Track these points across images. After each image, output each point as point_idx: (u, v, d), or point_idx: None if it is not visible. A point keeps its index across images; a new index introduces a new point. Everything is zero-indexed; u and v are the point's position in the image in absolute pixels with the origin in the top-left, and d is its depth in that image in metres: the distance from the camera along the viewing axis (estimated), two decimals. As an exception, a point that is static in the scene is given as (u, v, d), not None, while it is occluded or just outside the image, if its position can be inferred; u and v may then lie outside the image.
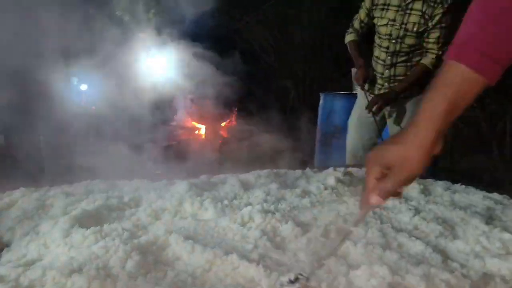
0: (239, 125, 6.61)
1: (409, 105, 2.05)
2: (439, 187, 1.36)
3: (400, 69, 2.01)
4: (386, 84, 2.05)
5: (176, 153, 3.38)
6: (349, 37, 2.16)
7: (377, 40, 2.07)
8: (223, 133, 6.16)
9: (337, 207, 1.10)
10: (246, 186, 1.29)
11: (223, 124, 6.00)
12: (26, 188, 1.15)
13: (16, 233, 0.92)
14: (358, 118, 2.16)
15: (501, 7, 0.55)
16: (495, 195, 1.25)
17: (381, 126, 2.13)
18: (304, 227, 0.92)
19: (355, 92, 3.40)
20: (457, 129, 4.76)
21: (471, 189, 1.36)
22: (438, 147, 0.57)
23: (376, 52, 2.08)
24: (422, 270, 0.70)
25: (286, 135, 7.22)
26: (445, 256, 0.79)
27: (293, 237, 0.86)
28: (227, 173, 1.54)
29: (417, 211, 1.05)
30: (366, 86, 2.09)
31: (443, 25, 1.88)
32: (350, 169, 1.71)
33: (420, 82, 1.95)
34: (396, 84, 2.01)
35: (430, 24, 1.90)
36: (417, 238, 0.86)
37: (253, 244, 0.81)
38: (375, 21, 2.04)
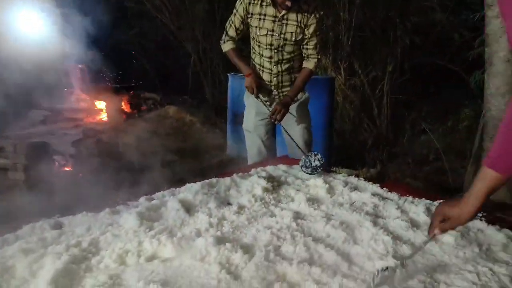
0: (140, 96, 6.40)
1: (295, 106, 2.36)
2: (340, 184, 1.73)
3: (285, 77, 2.32)
4: (275, 90, 2.34)
5: (86, 148, 3.25)
6: (227, 46, 2.31)
7: (256, 48, 2.29)
8: (126, 107, 5.93)
9: (269, 223, 1.37)
10: (188, 208, 1.47)
11: (123, 99, 5.74)
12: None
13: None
14: (253, 124, 2.44)
15: None
16: (378, 189, 1.68)
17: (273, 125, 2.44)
18: (249, 251, 1.17)
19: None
20: (345, 95, 5.47)
21: (362, 183, 1.78)
22: (479, 211, 1.01)
23: (258, 60, 2.31)
24: (337, 281, 1.02)
25: (191, 104, 7.20)
26: (350, 262, 1.13)
27: (243, 264, 1.11)
28: (164, 189, 1.70)
29: (328, 219, 1.38)
30: (260, 95, 2.32)
31: (318, 32, 2.21)
32: (268, 168, 2.00)
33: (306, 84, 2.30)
34: (283, 90, 2.31)
35: (307, 32, 2.19)
36: (331, 247, 1.19)
37: (216, 280, 1.03)
38: (253, 30, 2.24)
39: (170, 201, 1.51)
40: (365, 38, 5.51)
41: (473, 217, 1.01)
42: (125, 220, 1.35)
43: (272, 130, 2.48)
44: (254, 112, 2.42)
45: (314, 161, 1.82)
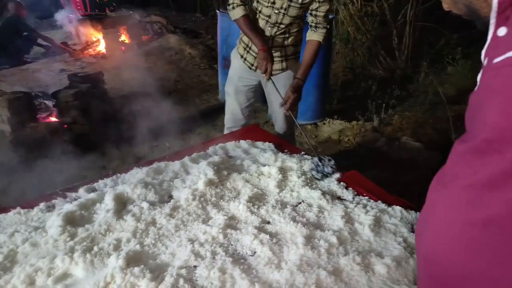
0: (142, 21, 6.01)
1: (278, 78, 2.06)
2: (295, 174, 1.59)
3: (277, 41, 1.98)
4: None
5: (66, 101, 3.14)
6: (237, 12, 1.90)
7: (255, 4, 1.94)
8: (126, 37, 5.58)
9: (196, 232, 1.29)
10: (120, 207, 1.41)
11: (122, 28, 5.40)
12: None
13: None
14: (235, 88, 2.18)
15: None
16: (334, 185, 1.53)
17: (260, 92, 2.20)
18: (158, 276, 1.12)
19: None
20: (357, 27, 4.88)
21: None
22: None
23: (252, 15, 1.97)
24: None
25: (203, 23, 6.73)
26: None
27: None
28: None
29: (259, 230, 1.28)
30: (240, 52, 2.04)
31: None
32: (228, 145, 1.86)
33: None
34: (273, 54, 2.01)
35: None
36: (247, 273, 1.11)
37: None
38: None
39: (107, 196, 1.45)
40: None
41: None
42: (51, 224, 1.31)
43: (255, 97, 2.25)
44: (237, 76, 2.15)
45: (326, 167, 1.62)
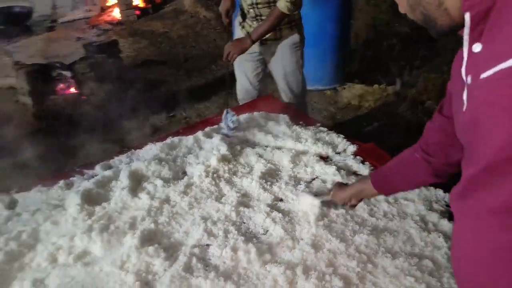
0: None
1: (274, 47, 2.00)
2: (311, 151, 1.55)
3: (263, 10, 1.89)
4: (254, 22, 1.96)
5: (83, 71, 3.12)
6: None
7: None
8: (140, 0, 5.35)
9: (209, 210, 1.30)
10: (135, 185, 1.43)
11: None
12: None
13: None
14: (239, 57, 2.09)
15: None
16: (350, 160, 1.49)
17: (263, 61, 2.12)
18: (173, 254, 1.15)
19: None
20: None
21: (340, 142, 1.59)
22: (354, 201, 1.10)
23: None
24: None
25: None
26: (274, 279, 1.07)
27: (162, 272, 1.10)
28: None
29: (272, 208, 1.28)
30: (239, 19, 1.96)
31: None
32: (243, 117, 1.83)
33: (277, 26, 1.86)
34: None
35: None
36: (260, 253, 1.12)
37: None
38: None
39: (122, 173, 1.47)
40: None
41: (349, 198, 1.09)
42: (69, 202, 1.35)
43: (263, 65, 2.15)
44: None
45: (229, 122, 1.68)
